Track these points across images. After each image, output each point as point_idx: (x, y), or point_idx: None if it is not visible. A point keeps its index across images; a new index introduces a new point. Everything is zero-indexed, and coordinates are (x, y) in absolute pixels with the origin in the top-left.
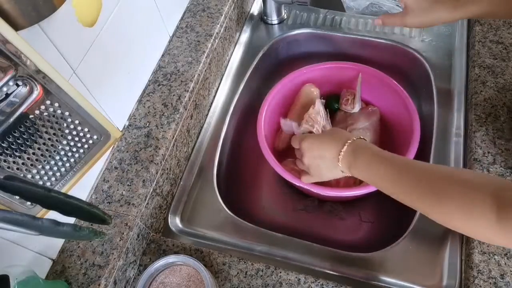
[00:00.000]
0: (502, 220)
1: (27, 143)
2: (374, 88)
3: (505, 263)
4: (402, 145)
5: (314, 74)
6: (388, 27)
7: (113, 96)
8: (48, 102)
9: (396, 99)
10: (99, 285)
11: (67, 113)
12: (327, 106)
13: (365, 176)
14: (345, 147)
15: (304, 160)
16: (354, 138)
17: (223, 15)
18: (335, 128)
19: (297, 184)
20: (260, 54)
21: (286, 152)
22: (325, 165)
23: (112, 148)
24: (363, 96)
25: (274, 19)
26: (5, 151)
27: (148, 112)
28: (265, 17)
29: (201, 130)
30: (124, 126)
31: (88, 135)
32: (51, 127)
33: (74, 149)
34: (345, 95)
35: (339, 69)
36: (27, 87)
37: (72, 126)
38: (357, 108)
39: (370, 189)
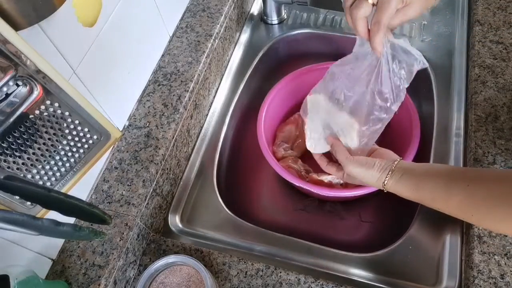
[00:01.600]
0: None
1: (27, 143)
2: None
3: (505, 263)
4: (402, 145)
5: (314, 74)
6: None
7: (113, 96)
8: (48, 102)
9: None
10: (99, 285)
11: (67, 113)
12: None
13: (415, 199)
14: (387, 180)
15: (349, 179)
16: (393, 167)
17: (223, 15)
18: (371, 159)
19: (297, 184)
20: (260, 54)
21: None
22: (367, 184)
23: (112, 148)
24: None
25: (274, 19)
26: (5, 151)
27: (148, 112)
28: (265, 17)
29: (201, 130)
30: (124, 126)
31: (88, 135)
32: (51, 127)
33: (74, 149)
34: None
35: None
36: (27, 87)
37: (72, 126)
38: None
39: (370, 189)
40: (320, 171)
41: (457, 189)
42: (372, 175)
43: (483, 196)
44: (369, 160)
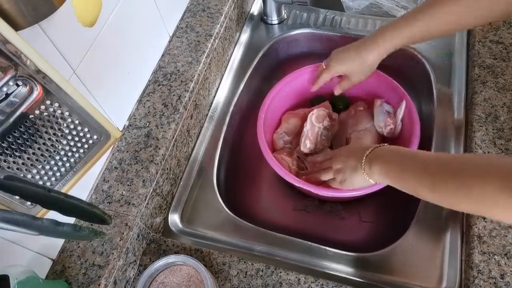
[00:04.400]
0: None
1: (27, 143)
2: (374, 88)
3: (505, 263)
4: (402, 145)
5: (314, 74)
6: None
7: (113, 96)
8: (48, 102)
9: (396, 99)
10: (99, 285)
11: (67, 113)
12: (333, 106)
13: (385, 180)
14: (365, 156)
15: (334, 165)
16: (374, 147)
17: (223, 15)
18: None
19: (297, 184)
20: (260, 54)
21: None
22: (352, 172)
23: (112, 148)
24: (363, 96)
25: (274, 19)
26: (5, 151)
27: (148, 112)
28: (265, 17)
29: (201, 130)
30: (124, 126)
31: (88, 135)
32: (51, 127)
33: (74, 149)
34: (388, 123)
35: None
36: (27, 87)
37: (72, 126)
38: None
39: (369, 190)
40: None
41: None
42: (354, 159)
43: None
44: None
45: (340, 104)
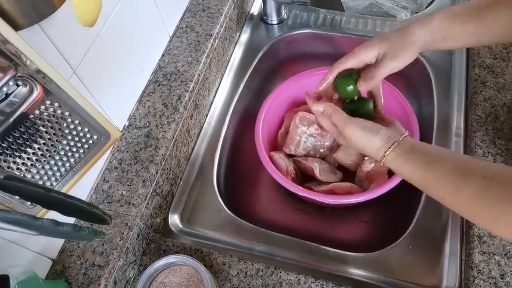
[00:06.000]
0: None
1: (27, 143)
2: (392, 106)
3: (505, 263)
4: None
5: (314, 78)
6: (388, 27)
7: (113, 96)
8: (48, 102)
9: (395, 98)
10: (99, 285)
11: (67, 113)
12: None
13: (416, 181)
14: (388, 152)
15: (344, 141)
16: (400, 139)
17: (223, 15)
18: (377, 125)
19: (293, 191)
20: (260, 54)
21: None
22: (364, 152)
23: (112, 148)
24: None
25: (274, 19)
26: (5, 151)
27: (148, 112)
28: (265, 17)
29: (201, 130)
30: (124, 126)
31: (88, 135)
32: (51, 127)
33: (74, 149)
34: None
35: None
36: (27, 87)
37: (72, 126)
38: None
39: (368, 196)
40: (310, 179)
41: (473, 179)
42: (374, 143)
43: (500, 192)
44: (374, 125)
45: (363, 107)
